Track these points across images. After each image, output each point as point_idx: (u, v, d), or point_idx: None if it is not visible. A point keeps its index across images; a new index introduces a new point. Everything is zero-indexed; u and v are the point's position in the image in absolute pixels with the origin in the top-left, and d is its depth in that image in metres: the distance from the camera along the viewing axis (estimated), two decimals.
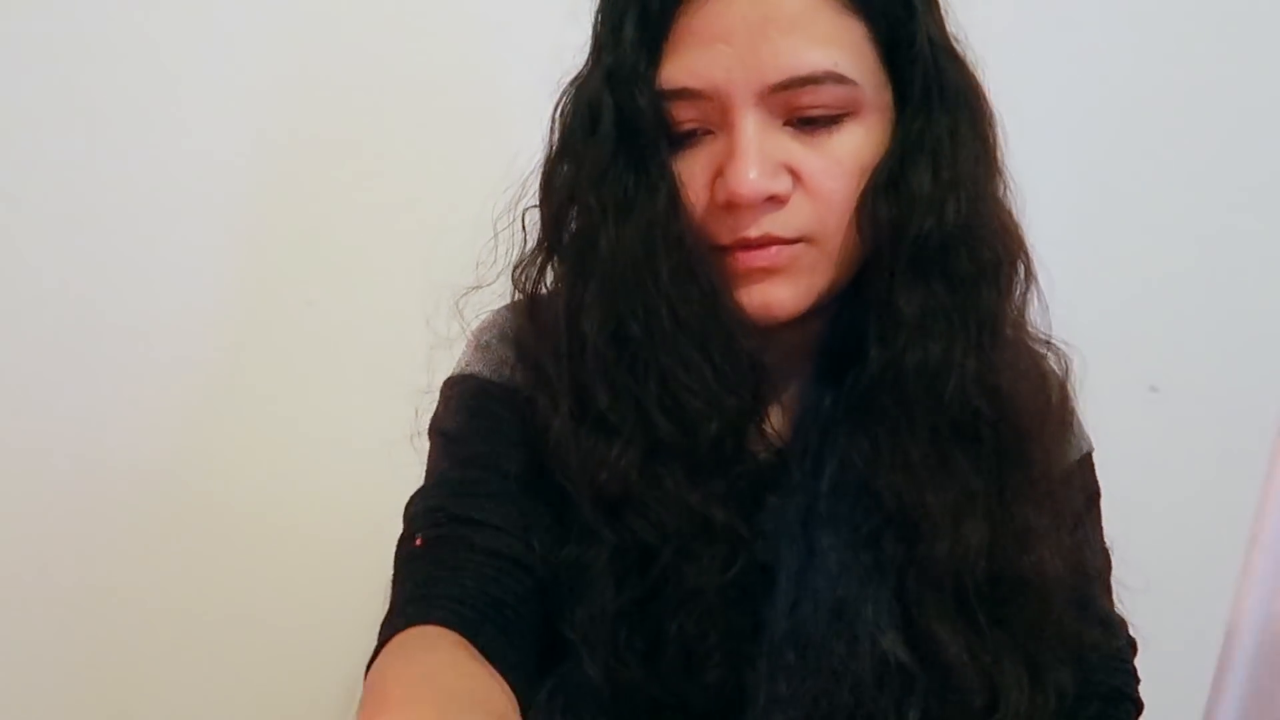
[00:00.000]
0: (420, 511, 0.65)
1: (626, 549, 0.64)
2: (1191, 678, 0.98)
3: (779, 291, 0.62)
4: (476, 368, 0.71)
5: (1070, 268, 1.15)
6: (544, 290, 0.69)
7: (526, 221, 0.70)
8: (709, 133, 0.62)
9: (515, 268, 0.70)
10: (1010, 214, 0.67)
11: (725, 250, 0.63)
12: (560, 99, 0.69)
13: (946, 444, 0.65)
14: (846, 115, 0.61)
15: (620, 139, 0.62)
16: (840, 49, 0.60)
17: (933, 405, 0.63)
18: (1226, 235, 1.15)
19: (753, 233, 0.61)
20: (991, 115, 0.65)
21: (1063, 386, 0.71)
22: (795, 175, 0.61)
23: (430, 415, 0.73)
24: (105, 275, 0.99)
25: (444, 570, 0.61)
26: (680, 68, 0.60)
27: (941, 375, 0.63)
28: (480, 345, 0.73)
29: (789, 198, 0.61)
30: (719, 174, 0.61)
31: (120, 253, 0.99)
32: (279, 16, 0.98)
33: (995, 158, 0.65)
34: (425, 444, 0.74)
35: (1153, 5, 1.11)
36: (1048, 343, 0.72)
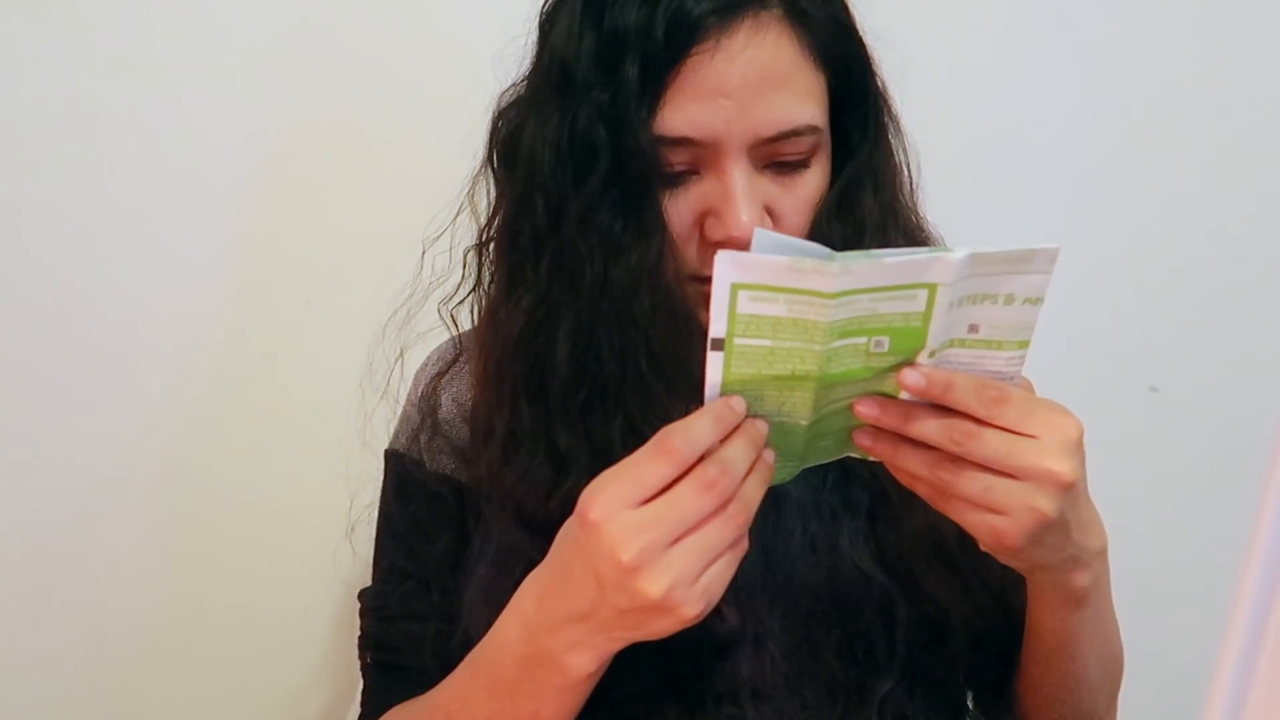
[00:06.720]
0: (363, 629, 0.78)
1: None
2: (1191, 678, 0.98)
3: None
4: (399, 443, 0.79)
5: (1071, 268, 1.16)
6: (502, 313, 0.70)
7: (468, 256, 0.74)
8: (695, 173, 0.66)
9: (447, 300, 0.75)
10: (925, 222, 0.75)
11: (705, 280, 0.67)
12: (507, 116, 0.70)
13: None
14: (811, 157, 0.67)
15: (612, 178, 0.65)
16: (814, 102, 0.66)
17: None
18: (1227, 235, 1.15)
19: None
20: (906, 141, 0.73)
21: None
22: (771, 214, 0.67)
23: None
24: (103, 272, 0.99)
25: (382, 697, 0.74)
26: (682, 118, 0.63)
27: None
28: (404, 413, 0.79)
29: None
30: (708, 212, 0.66)
31: (117, 250, 0.99)
32: (279, 13, 0.98)
33: (914, 178, 0.74)
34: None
35: (1154, 6, 1.11)
36: None
